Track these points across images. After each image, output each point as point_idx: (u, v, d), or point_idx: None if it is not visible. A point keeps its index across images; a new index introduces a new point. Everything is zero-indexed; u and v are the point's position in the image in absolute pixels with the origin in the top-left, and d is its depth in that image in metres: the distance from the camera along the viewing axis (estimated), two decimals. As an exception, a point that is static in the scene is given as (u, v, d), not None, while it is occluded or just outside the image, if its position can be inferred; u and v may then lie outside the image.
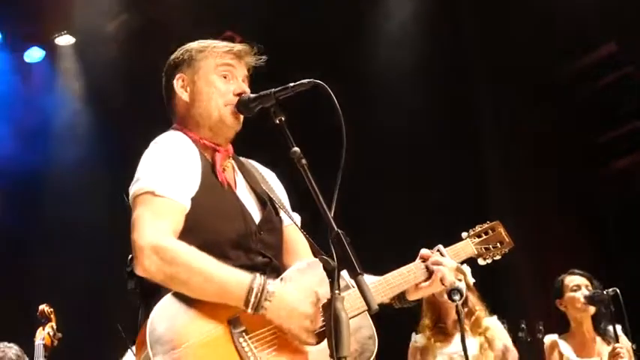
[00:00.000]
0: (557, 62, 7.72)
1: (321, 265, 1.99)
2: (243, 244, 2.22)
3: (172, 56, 2.41)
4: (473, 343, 4.10)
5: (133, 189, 2.17)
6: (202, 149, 2.30)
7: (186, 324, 1.99)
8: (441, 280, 2.30)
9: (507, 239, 2.61)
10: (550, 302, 4.68)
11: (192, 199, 2.18)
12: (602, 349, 4.25)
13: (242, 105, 2.25)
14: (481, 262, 2.58)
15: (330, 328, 1.84)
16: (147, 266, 2.01)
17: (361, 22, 7.59)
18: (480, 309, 4.31)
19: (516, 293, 6.84)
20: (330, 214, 1.94)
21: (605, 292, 4.15)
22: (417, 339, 4.23)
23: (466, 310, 4.13)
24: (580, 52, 7.70)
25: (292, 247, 2.40)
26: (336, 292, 1.86)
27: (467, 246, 2.54)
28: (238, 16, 7.26)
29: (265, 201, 2.36)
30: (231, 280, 2.02)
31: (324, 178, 2.02)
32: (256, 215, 2.31)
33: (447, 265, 2.33)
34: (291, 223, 2.39)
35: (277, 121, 2.09)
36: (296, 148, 2.02)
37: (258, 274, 2.04)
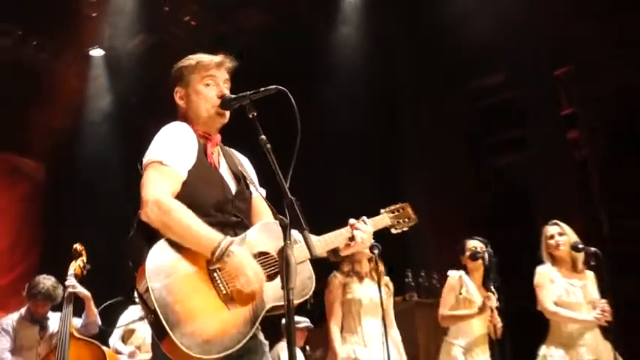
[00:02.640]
0: (460, 83, 7.75)
1: (274, 224, 2.13)
2: (221, 207, 2.24)
3: (172, 72, 2.42)
4: (376, 288, 4.06)
5: (146, 158, 2.19)
6: (198, 137, 2.30)
7: (175, 261, 2.03)
8: (362, 241, 2.35)
9: (413, 216, 2.67)
10: (443, 258, 4.62)
11: (188, 172, 2.19)
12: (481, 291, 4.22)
13: (225, 103, 2.26)
14: (393, 231, 2.63)
15: (282, 267, 1.89)
16: (149, 215, 2.05)
17: (317, 36, 7.51)
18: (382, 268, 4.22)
19: (420, 251, 6.79)
20: (286, 185, 1.97)
21: (484, 251, 4.14)
22: (338, 275, 4.12)
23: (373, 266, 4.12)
24: (477, 76, 7.77)
25: (258, 212, 2.39)
26: (288, 242, 1.90)
27: (383, 219, 2.59)
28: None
29: (240, 178, 2.38)
30: (207, 235, 2.05)
31: (284, 159, 2.01)
32: (233, 188, 2.32)
33: (367, 231, 2.38)
34: (258, 194, 2.40)
35: (250, 116, 2.10)
36: (263, 136, 2.05)
37: (228, 237, 2.07)
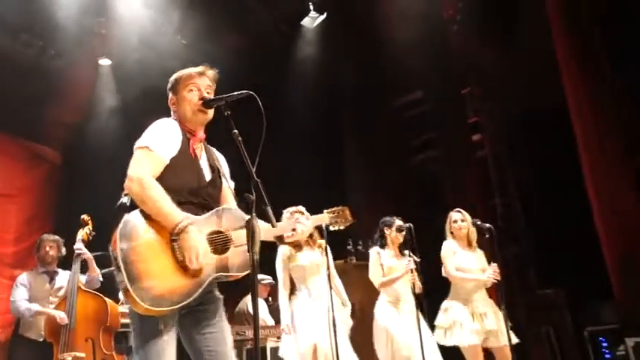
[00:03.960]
0: (388, 98, 7.78)
1: (234, 210, 2.20)
2: (195, 191, 2.17)
3: (168, 83, 2.37)
4: (318, 253, 4.04)
5: (137, 143, 2.13)
6: (184, 132, 2.24)
7: (144, 229, 1.98)
8: (301, 232, 2.35)
9: (350, 218, 2.59)
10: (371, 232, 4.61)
11: (171, 158, 2.13)
12: (403, 260, 4.23)
13: (206, 103, 2.21)
14: (331, 228, 2.59)
15: (249, 234, 1.86)
16: (131, 189, 2.00)
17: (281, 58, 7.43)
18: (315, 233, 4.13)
19: (359, 225, 6.79)
20: (253, 170, 1.96)
21: (406, 225, 4.19)
22: (283, 249, 4.05)
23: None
24: (401, 93, 7.79)
25: (225, 200, 2.33)
26: (253, 214, 1.87)
27: (323, 217, 2.55)
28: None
29: (215, 170, 2.32)
30: (172, 214, 1.99)
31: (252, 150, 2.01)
32: (207, 177, 2.26)
33: (306, 225, 2.36)
34: (227, 186, 2.36)
35: (226, 114, 2.08)
36: (235, 130, 2.04)
37: (189, 218, 2.02)
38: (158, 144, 2.12)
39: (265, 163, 2.05)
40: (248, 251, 1.86)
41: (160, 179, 2.08)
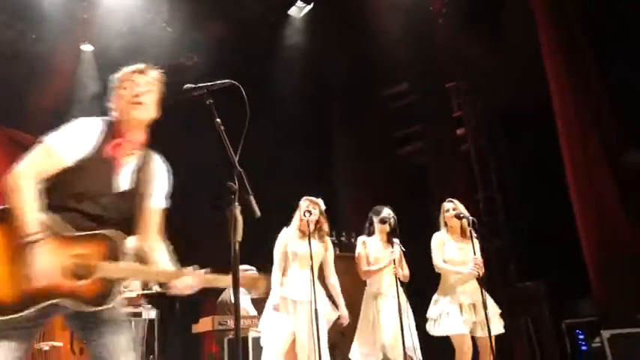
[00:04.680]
0: (376, 89, 7.77)
1: (112, 241, 1.92)
2: (94, 198, 1.97)
3: None
4: (320, 244, 4.10)
5: (44, 137, 1.97)
6: (110, 134, 2.04)
7: (4, 230, 1.87)
8: (181, 290, 2.00)
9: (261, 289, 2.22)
10: (360, 222, 4.63)
11: (78, 160, 1.96)
12: (387, 248, 4.26)
13: (185, 91, 2.04)
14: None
15: (230, 223, 1.84)
16: (7, 181, 1.87)
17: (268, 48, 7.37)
18: (325, 224, 4.22)
19: (342, 216, 6.79)
20: (236, 159, 1.90)
21: (391, 217, 4.19)
22: (286, 231, 4.09)
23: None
24: (388, 85, 7.78)
25: (144, 221, 2.10)
26: (235, 204, 1.84)
27: (225, 280, 2.05)
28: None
29: (139, 183, 2.08)
30: (28, 223, 1.82)
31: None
32: (123, 187, 2.04)
33: (188, 284, 2.00)
34: (155, 206, 2.12)
35: (207, 103, 1.99)
36: (218, 119, 1.95)
37: (41, 235, 1.82)
38: (62, 143, 1.96)
39: (254, 155, 2.04)
40: (228, 239, 1.84)
41: (60, 181, 1.94)
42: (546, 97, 6.04)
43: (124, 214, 2.05)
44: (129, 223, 2.07)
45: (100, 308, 1.88)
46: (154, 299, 5.06)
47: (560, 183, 5.93)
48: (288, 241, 4.05)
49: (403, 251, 4.25)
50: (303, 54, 7.24)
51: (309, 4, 6.47)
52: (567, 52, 5.91)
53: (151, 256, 2.08)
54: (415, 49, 6.88)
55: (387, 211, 4.30)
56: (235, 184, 1.87)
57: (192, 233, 6.60)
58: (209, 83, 2.03)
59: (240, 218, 1.84)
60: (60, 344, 3.68)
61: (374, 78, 7.42)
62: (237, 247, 1.82)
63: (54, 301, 1.85)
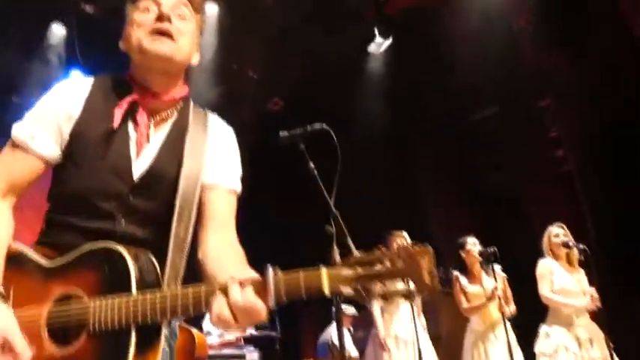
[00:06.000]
0: (461, 117, 7.57)
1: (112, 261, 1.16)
2: (100, 204, 1.26)
3: None
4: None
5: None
6: (126, 90, 1.33)
7: None
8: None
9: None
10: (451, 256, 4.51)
11: (66, 149, 1.30)
12: (485, 280, 4.12)
13: (280, 140, 1.94)
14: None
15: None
16: None
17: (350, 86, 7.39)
18: None
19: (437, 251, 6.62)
20: (331, 202, 1.90)
21: (489, 249, 4.03)
22: None
23: None
24: (473, 111, 7.57)
25: (211, 213, 1.33)
26: (334, 248, 1.80)
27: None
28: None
29: (174, 162, 1.31)
30: None
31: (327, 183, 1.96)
32: (141, 170, 1.29)
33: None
34: (216, 184, 1.35)
35: (300, 149, 2.00)
36: (311, 164, 1.96)
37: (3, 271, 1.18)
38: (31, 129, 1.29)
39: (337, 193, 2.05)
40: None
41: (57, 179, 1.33)
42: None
43: (159, 216, 1.29)
44: (165, 230, 1.27)
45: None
46: (254, 340, 5.15)
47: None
48: None
49: (507, 278, 4.05)
50: (384, 89, 7.25)
51: (388, 39, 6.53)
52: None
53: (216, 269, 1.22)
54: (499, 72, 6.68)
55: (471, 241, 4.17)
56: (332, 227, 1.88)
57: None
58: (302, 129, 2.07)
59: (339, 261, 1.83)
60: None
61: (458, 105, 7.28)
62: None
63: None
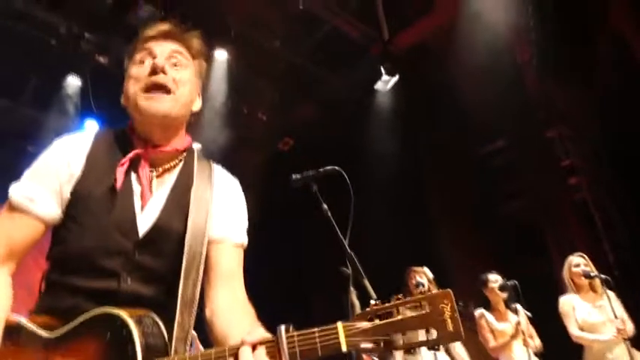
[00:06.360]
0: (472, 150, 7.57)
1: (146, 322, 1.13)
2: (102, 262, 1.21)
3: None
4: None
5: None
6: (126, 144, 1.31)
7: None
8: None
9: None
10: (470, 290, 4.43)
11: (70, 206, 1.25)
12: (511, 317, 4.03)
13: (292, 182, 1.95)
14: None
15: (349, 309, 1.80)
16: None
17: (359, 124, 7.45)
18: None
19: (451, 285, 6.49)
20: (346, 242, 1.89)
21: (509, 283, 3.95)
22: None
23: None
24: (483, 144, 7.56)
25: (219, 271, 1.29)
26: (351, 289, 1.81)
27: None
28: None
29: (180, 216, 1.27)
30: None
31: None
32: (147, 227, 1.24)
33: None
34: (222, 238, 1.31)
35: (313, 190, 2.02)
36: (325, 205, 1.97)
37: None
38: (30, 190, 1.25)
39: (352, 232, 2.03)
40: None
41: (57, 239, 1.27)
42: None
43: (165, 274, 1.24)
44: (172, 288, 1.22)
45: None
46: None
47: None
48: None
49: (529, 317, 3.94)
50: (393, 126, 7.29)
51: (394, 76, 6.62)
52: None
53: (226, 330, 1.20)
54: (507, 105, 6.72)
55: (493, 278, 4.08)
56: (348, 268, 1.87)
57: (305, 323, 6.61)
58: (314, 171, 2.10)
59: (357, 303, 1.82)
60: None
61: (468, 139, 7.29)
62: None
63: None
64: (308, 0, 6.10)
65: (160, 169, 1.31)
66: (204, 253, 1.27)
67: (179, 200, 1.29)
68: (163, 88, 1.28)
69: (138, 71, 1.30)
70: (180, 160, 1.35)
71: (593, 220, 6.56)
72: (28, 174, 1.30)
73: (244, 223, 1.39)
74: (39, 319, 1.19)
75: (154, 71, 1.27)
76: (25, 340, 1.15)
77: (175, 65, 1.31)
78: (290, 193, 2.23)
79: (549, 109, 6.92)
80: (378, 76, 6.71)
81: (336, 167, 2.05)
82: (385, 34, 6.62)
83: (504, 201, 7.51)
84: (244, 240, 1.38)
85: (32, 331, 1.16)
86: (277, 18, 6.34)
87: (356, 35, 6.74)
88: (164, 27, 1.35)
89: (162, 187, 1.30)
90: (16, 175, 1.32)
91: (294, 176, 2.14)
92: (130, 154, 1.27)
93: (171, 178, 1.32)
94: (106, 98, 6.06)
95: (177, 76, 1.30)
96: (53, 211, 1.26)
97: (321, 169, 2.07)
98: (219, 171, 1.42)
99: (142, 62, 1.31)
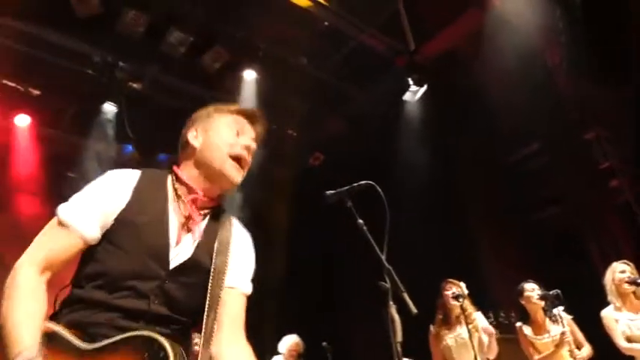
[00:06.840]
0: (504, 152, 7.42)
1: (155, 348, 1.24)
2: (138, 285, 1.35)
3: (193, 114, 1.66)
4: (465, 329, 3.84)
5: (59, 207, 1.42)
6: (175, 187, 1.50)
7: None
8: None
9: None
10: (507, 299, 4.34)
11: (111, 229, 1.40)
12: (551, 327, 3.91)
13: (325, 198, 1.94)
14: None
15: (390, 324, 1.78)
16: (10, 276, 1.33)
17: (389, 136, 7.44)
18: (470, 307, 4.02)
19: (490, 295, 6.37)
20: (383, 257, 1.87)
21: (550, 292, 3.84)
22: (433, 328, 4.01)
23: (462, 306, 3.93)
24: (516, 150, 7.41)
25: (228, 314, 1.47)
26: (390, 303, 1.79)
27: None
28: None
29: (206, 258, 1.46)
30: (14, 339, 1.20)
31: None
32: (179, 260, 1.42)
33: None
34: (237, 288, 1.51)
35: (348, 205, 2.00)
36: (360, 220, 1.94)
37: (39, 349, 1.19)
38: (77, 211, 1.38)
39: (388, 246, 2.02)
40: (389, 341, 1.79)
41: (91, 258, 1.39)
42: None
43: (187, 303, 1.41)
44: (192, 318, 1.45)
45: None
46: None
47: None
48: (436, 335, 3.90)
49: (571, 319, 3.82)
50: (424, 136, 7.24)
51: (422, 86, 6.59)
52: None
53: None
54: (540, 109, 6.60)
55: (529, 287, 3.99)
56: (387, 282, 1.85)
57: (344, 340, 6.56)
58: (347, 187, 2.10)
59: (397, 318, 1.80)
60: None
61: (501, 144, 7.17)
62: (399, 349, 1.76)
63: None
64: (333, 17, 6.16)
65: (201, 212, 1.54)
66: (222, 297, 1.46)
67: (208, 243, 1.50)
68: (245, 166, 1.58)
69: (231, 135, 1.57)
70: (213, 208, 1.58)
71: (637, 224, 6.34)
72: (77, 196, 1.44)
73: (252, 275, 1.60)
74: (68, 330, 1.30)
75: (248, 149, 1.58)
76: (63, 348, 1.25)
77: (252, 149, 1.62)
78: (323, 208, 2.24)
79: (584, 112, 6.76)
80: (405, 88, 6.70)
81: (370, 182, 2.04)
82: (411, 44, 6.61)
83: (542, 205, 7.34)
84: (250, 291, 1.59)
85: (69, 341, 1.27)
86: (303, 35, 6.42)
87: (382, 48, 6.75)
88: (258, 113, 1.68)
89: (196, 227, 1.49)
90: (60, 200, 1.46)
91: (328, 192, 2.15)
92: (190, 197, 1.50)
93: (203, 222, 1.53)
94: (141, 122, 6.24)
95: (249, 159, 1.61)
96: (94, 233, 1.40)
97: (355, 185, 2.05)
98: (236, 223, 1.63)
99: (236, 130, 1.58)
